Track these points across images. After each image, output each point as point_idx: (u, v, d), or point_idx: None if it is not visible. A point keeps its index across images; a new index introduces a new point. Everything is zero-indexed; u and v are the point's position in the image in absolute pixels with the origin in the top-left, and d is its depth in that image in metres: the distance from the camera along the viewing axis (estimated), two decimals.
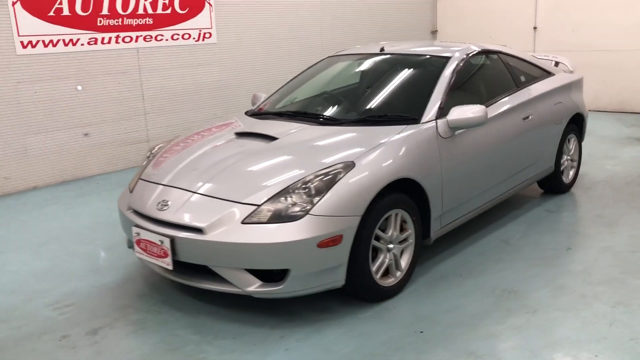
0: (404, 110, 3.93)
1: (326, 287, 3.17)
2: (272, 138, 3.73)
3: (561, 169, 5.33)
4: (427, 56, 4.44)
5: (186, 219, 3.18)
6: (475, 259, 4.08)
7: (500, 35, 10.62)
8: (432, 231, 3.78)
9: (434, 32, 11.49)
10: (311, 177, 3.18)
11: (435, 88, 3.99)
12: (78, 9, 6.51)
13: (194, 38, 7.65)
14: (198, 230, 3.10)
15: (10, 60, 6.08)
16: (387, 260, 3.43)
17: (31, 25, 6.17)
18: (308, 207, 3.05)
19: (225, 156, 3.59)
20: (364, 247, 3.23)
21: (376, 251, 3.39)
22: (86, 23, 6.60)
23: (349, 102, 4.33)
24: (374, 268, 3.33)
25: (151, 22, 7.17)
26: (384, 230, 3.41)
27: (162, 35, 7.31)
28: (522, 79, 4.89)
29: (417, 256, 3.68)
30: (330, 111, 4.18)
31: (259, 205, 3.10)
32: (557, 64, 5.80)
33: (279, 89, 4.82)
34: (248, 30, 8.24)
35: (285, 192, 3.14)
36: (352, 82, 4.61)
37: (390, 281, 3.48)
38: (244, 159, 3.52)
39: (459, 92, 4.24)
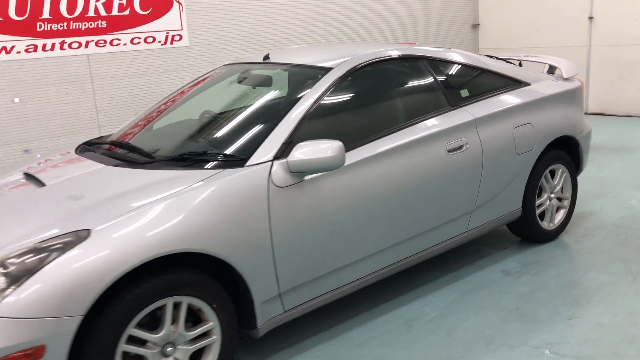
0: (235, 146, 2.84)
1: None
2: (42, 183, 2.79)
3: (537, 212, 3.95)
4: (304, 68, 3.29)
5: None
6: (349, 352, 2.91)
7: (550, 27, 9.02)
8: (260, 320, 2.67)
9: (475, 26, 10.00)
10: (15, 254, 2.20)
11: (286, 115, 2.86)
12: (12, 12, 5.89)
13: (159, 41, 6.85)
14: None
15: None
16: None
17: None
18: None
19: None
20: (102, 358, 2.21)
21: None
22: (23, 28, 5.97)
23: (185, 132, 3.29)
24: None
25: (105, 25, 6.44)
26: (153, 326, 2.37)
27: (118, 40, 6.56)
28: (464, 93, 3.60)
29: (230, 356, 2.59)
30: (151, 145, 3.14)
31: None
32: (552, 69, 4.39)
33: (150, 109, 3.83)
34: (230, 31, 7.33)
35: None
36: (224, 102, 3.55)
37: None
38: None
39: (335, 120, 3.08)
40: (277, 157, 2.71)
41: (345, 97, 3.18)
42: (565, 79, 4.23)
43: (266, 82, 3.43)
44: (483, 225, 3.65)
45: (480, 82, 3.77)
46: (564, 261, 3.82)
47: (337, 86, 3.07)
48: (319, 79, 3.06)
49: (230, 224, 2.49)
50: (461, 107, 3.49)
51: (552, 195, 4.10)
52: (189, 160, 2.76)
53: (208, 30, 7.16)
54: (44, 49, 6.15)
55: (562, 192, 4.17)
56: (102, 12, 6.39)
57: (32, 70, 6.09)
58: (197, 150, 2.89)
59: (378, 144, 3.05)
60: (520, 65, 4.41)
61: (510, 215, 3.81)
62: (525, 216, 3.90)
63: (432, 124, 3.29)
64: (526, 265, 3.78)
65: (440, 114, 3.37)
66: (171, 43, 6.96)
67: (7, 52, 5.96)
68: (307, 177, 2.73)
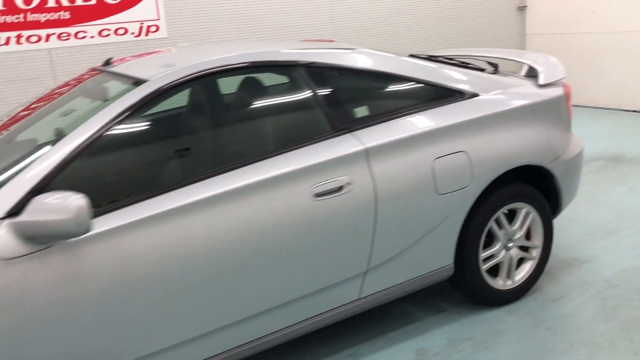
0: None
1: None
2: None
3: (485, 266, 2.94)
4: (125, 78, 2.46)
5: None
6: None
7: (608, 10, 7.60)
8: None
9: (521, 8, 8.67)
10: None
11: (55, 147, 2.08)
12: None
13: (132, 33, 6.23)
14: None
15: None
16: None
17: None
18: None
19: None
20: None
21: None
22: None
23: None
24: None
25: (68, 16, 5.90)
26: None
27: (84, 32, 6.00)
28: (361, 113, 2.64)
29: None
30: None
31: None
32: (532, 71, 3.31)
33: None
34: (215, 19, 6.59)
35: None
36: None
37: None
38: None
39: (140, 155, 2.26)
40: (11, 213, 1.93)
41: (162, 121, 2.35)
42: (541, 86, 3.13)
43: (98, 97, 2.64)
44: (389, 291, 2.70)
45: (390, 96, 2.80)
46: (508, 340, 2.79)
47: (145, 107, 2.24)
48: (122, 96, 2.24)
49: None
50: (351, 132, 2.54)
51: (511, 245, 3.05)
52: None
53: (189, 19, 6.45)
54: None
55: (528, 239, 3.12)
56: (65, 2, 5.84)
57: None
58: None
59: (203, 188, 2.20)
60: (494, 66, 3.35)
61: (436, 274, 2.83)
62: (464, 274, 2.89)
63: (292, 159, 2.38)
64: (453, 344, 2.79)
65: (311, 144, 2.45)
66: (146, 34, 6.32)
67: None
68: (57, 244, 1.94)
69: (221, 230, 2.20)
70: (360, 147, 2.50)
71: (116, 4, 6.09)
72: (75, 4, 5.90)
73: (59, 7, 5.83)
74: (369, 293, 2.64)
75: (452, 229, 2.77)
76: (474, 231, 2.87)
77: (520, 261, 3.15)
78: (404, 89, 2.78)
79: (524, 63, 3.34)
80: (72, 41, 5.98)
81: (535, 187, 3.09)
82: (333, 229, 2.43)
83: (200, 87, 2.50)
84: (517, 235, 3.06)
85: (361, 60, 2.72)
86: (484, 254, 2.96)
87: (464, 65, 3.20)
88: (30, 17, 5.75)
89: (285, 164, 2.35)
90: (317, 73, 2.58)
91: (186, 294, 2.17)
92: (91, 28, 6.03)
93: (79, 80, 2.84)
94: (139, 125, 2.28)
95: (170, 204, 2.12)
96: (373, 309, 2.82)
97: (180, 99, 2.61)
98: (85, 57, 6.03)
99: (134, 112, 2.19)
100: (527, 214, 3.07)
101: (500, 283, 3.05)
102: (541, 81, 3.13)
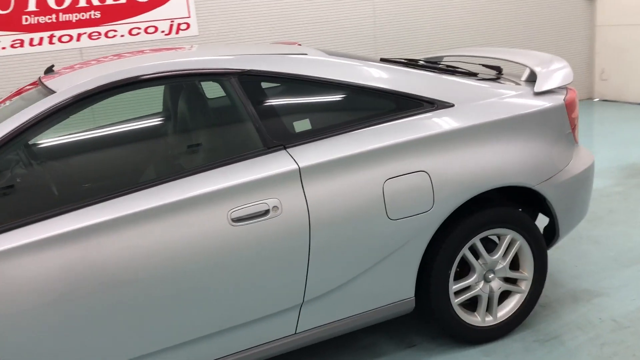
0: None
1: None
2: None
3: (459, 299, 2.59)
4: (42, 94, 2.30)
5: None
6: None
7: None
8: None
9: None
10: None
11: None
12: None
13: (162, 31, 6.21)
14: None
15: None
16: None
17: None
18: None
19: None
20: None
21: None
22: (7, 23, 5.69)
23: None
24: None
25: (98, 15, 5.95)
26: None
27: (114, 31, 6.03)
28: (302, 127, 2.36)
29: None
30: None
31: None
32: (532, 75, 2.90)
33: None
34: (247, 16, 6.45)
35: None
36: None
37: None
38: None
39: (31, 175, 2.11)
40: None
41: (69, 137, 2.18)
42: (537, 94, 2.71)
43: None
44: (333, 325, 2.41)
45: (340, 108, 2.49)
46: None
47: (46, 122, 2.08)
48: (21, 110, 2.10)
49: None
50: (286, 149, 2.27)
51: (492, 276, 2.67)
52: None
53: (220, 17, 6.34)
54: (31, 43, 5.81)
55: (515, 268, 2.73)
56: (95, 2, 5.88)
57: (20, 66, 5.80)
58: None
59: (104, 209, 2.02)
60: (496, 69, 2.97)
61: (393, 308, 2.51)
62: (432, 307, 2.56)
63: (210, 179, 2.15)
64: None
65: (236, 162, 2.20)
66: (177, 33, 6.27)
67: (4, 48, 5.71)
68: None
69: (123, 257, 2.00)
70: (292, 167, 2.23)
71: (147, 2, 6.07)
72: (106, 3, 5.92)
73: (90, 7, 5.88)
74: (307, 328, 2.37)
75: (411, 258, 2.44)
76: (441, 260, 2.52)
77: (507, 294, 2.76)
78: (358, 100, 2.47)
79: (526, 66, 2.91)
80: (103, 40, 6.02)
81: (533, 210, 2.69)
82: (256, 258, 2.18)
83: (113, 100, 2.31)
84: (500, 266, 2.67)
85: (307, 67, 2.42)
86: (456, 286, 2.60)
87: (451, 70, 2.83)
88: (62, 17, 5.83)
89: (202, 185, 2.12)
90: (251, 82, 2.32)
91: (86, 326, 2.00)
92: (121, 27, 6.05)
93: (18, 91, 2.73)
94: (38, 141, 2.13)
95: (68, 226, 1.95)
96: (342, 336, 2.56)
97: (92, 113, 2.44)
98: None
99: (30, 127, 2.04)
100: (512, 242, 2.67)
101: (477, 319, 2.68)
102: (537, 88, 2.71)
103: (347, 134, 2.36)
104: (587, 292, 3.07)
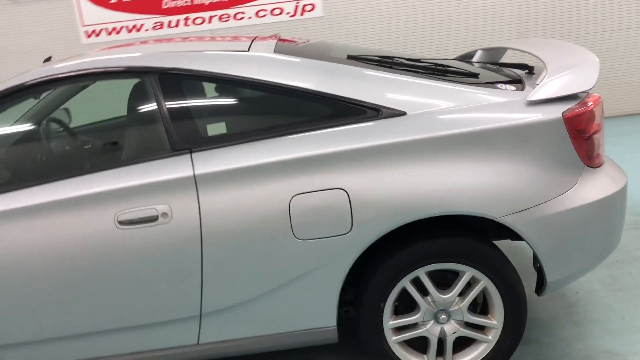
0: None
1: None
2: None
3: (394, 338, 2.28)
4: None
5: None
6: None
7: None
8: None
9: None
10: None
11: None
12: None
13: (288, 13, 6.31)
14: None
15: (76, 51, 6.38)
16: None
17: (94, 14, 6.29)
18: None
19: None
20: None
21: None
22: (150, 7, 6.29)
23: None
24: None
25: None
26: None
27: (242, 13, 6.31)
28: (215, 130, 2.22)
29: None
30: None
31: None
32: (529, 70, 2.41)
33: None
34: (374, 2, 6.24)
35: None
36: None
37: None
38: None
39: None
40: None
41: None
42: (530, 103, 2.18)
43: None
44: (239, 342, 2.27)
45: (264, 112, 2.26)
46: None
47: None
48: None
49: None
50: (190, 153, 2.17)
51: (444, 317, 2.27)
52: None
53: None
54: (169, 25, 6.33)
55: (485, 313, 2.29)
56: None
57: None
58: None
59: (21, 196, 2.16)
60: (527, 68, 2.50)
61: (312, 335, 2.27)
62: (362, 342, 2.27)
63: (103, 179, 2.15)
64: None
65: (137, 163, 2.16)
66: (302, 14, 6.31)
67: (138, 30, 6.35)
68: None
69: (12, 246, 2.13)
70: (188, 173, 2.12)
71: None
72: None
73: None
74: (210, 340, 2.27)
75: (327, 283, 2.17)
76: (372, 291, 2.20)
77: (470, 341, 2.32)
78: (289, 103, 2.23)
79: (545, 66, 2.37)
80: (232, 22, 6.31)
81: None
82: (141, 263, 2.13)
83: (46, 93, 2.40)
84: (454, 307, 2.25)
85: (237, 66, 2.24)
86: (394, 322, 2.26)
87: (440, 71, 2.42)
88: (197, 0, 6.23)
89: (94, 185, 2.13)
90: (171, 81, 2.24)
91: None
92: (249, 9, 6.27)
93: None
94: None
95: None
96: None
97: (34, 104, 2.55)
98: None
99: None
100: (474, 282, 2.23)
101: None
102: (530, 96, 2.18)
103: (263, 141, 2.16)
104: (607, 353, 2.44)
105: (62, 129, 2.62)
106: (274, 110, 2.25)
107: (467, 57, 3.36)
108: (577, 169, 2.19)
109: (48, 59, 2.92)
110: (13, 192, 2.15)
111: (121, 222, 2.11)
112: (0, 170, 2.35)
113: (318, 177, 2.09)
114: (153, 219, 2.11)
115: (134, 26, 6.30)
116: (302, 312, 2.22)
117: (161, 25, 6.29)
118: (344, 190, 2.08)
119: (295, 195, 2.09)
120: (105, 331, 2.23)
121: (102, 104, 2.82)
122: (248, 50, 2.34)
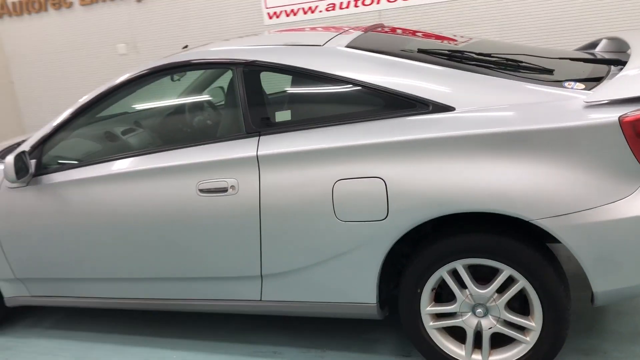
0: None
1: None
2: None
3: (432, 323, 2.40)
4: None
5: None
6: None
7: None
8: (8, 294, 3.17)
9: None
10: None
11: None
12: None
13: None
14: None
15: (258, 31, 7.10)
16: None
17: None
18: None
19: None
20: None
21: None
22: None
23: None
24: None
25: None
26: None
27: None
28: (283, 117, 2.49)
29: None
30: None
31: None
32: (614, 64, 2.31)
33: None
34: None
35: None
36: None
37: None
38: None
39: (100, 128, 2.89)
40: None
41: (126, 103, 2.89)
42: (588, 105, 2.10)
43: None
44: (295, 304, 2.57)
45: (324, 102, 2.45)
46: None
47: (123, 91, 2.83)
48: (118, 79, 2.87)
49: None
50: (260, 136, 2.49)
51: (481, 311, 2.31)
52: None
53: None
54: (340, 7, 6.68)
55: (527, 313, 2.29)
56: None
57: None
58: None
59: (132, 162, 2.73)
60: (616, 63, 2.42)
61: (355, 308, 2.47)
62: (402, 322, 2.43)
63: (191, 154, 2.58)
64: None
65: (216, 142, 2.55)
66: None
67: (312, 12, 6.83)
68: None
69: (121, 201, 2.68)
70: (252, 154, 2.45)
71: None
72: None
73: None
74: (270, 299, 2.60)
75: (366, 263, 2.35)
76: (410, 276, 2.34)
77: (511, 339, 2.33)
78: (348, 95, 2.40)
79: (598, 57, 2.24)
80: (399, 2, 6.44)
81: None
82: (215, 226, 2.53)
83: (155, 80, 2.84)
84: (492, 303, 2.28)
85: (308, 59, 2.48)
86: (432, 308, 2.37)
87: (511, 65, 2.40)
88: None
89: (179, 158, 2.57)
90: (252, 72, 2.57)
91: (118, 243, 2.76)
92: None
93: None
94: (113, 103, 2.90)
95: (94, 172, 2.74)
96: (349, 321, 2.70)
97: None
98: (408, 17, 6.42)
99: (116, 93, 2.82)
100: (511, 281, 2.24)
101: (460, 352, 2.38)
102: (589, 98, 2.09)
103: (318, 129, 2.39)
104: None
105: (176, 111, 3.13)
106: (332, 100, 2.45)
107: (591, 47, 3.16)
108: (636, 178, 2.05)
109: (185, 47, 3.45)
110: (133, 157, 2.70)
111: (201, 190, 2.52)
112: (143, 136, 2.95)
113: (359, 165, 2.27)
114: (224, 189, 2.48)
115: (310, 8, 6.77)
116: (345, 286, 2.43)
117: (333, 7, 6.67)
118: (381, 179, 2.23)
119: (339, 180, 2.30)
120: (189, 278, 2.68)
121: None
122: (323, 44, 2.56)
